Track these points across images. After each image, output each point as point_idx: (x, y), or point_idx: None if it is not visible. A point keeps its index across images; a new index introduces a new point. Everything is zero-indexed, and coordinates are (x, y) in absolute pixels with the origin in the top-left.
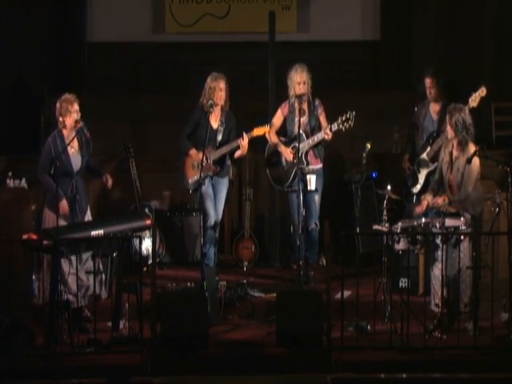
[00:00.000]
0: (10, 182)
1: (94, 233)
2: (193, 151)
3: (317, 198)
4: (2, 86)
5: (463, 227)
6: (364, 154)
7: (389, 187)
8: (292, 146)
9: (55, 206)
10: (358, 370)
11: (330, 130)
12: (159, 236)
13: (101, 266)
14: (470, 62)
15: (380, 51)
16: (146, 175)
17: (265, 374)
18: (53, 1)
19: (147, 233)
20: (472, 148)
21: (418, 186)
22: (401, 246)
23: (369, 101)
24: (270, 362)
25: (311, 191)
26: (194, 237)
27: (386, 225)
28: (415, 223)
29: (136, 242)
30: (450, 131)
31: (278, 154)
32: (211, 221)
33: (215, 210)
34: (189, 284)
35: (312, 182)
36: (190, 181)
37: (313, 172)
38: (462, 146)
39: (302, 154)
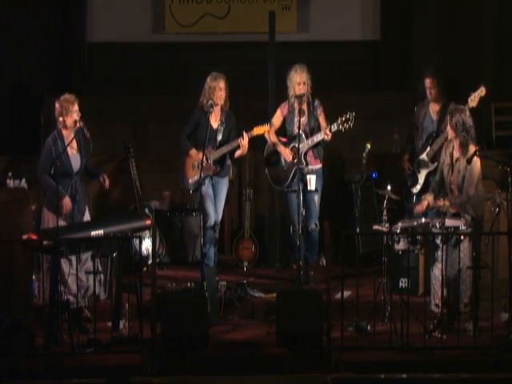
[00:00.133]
0: (10, 182)
1: (94, 233)
2: (193, 151)
3: (316, 198)
4: (2, 86)
5: (463, 227)
6: (364, 155)
7: (389, 187)
8: (291, 146)
9: (55, 206)
10: (358, 370)
11: (330, 130)
12: (159, 236)
13: (99, 266)
14: (469, 62)
15: (380, 51)
16: (145, 175)
17: (265, 374)
18: (53, 1)
19: (147, 233)
20: (472, 149)
21: (418, 186)
22: (401, 246)
23: (369, 101)
24: (270, 361)
25: (311, 191)
26: (194, 237)
27: (386, 225)
28: (415, 223)
29: (136, 242)
30: (450, 132)
31: (277, 154)
32: (211, 221)
33: (215, 210)
34: (189, 284)
35: (312, 182)
36: (190, 181)
37: (312, 172)
38: (463, 147)
39: (301, 154)
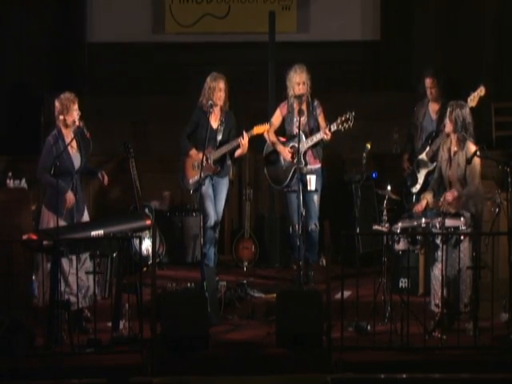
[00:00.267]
0: (10, 182)
1: (94, 233)
2: (193, 151)
3: (316, 198)
4: (2, 86)
5: (463, 227)
6: (364, 155)
7: (389, 187)
8: (290, 145)
9: (55, 205)
10: (358, 370)
11: (329, 129)
12: (159, 236)
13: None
14: (469, 62)
15: (380, 51)
16: (145, 175)
17: (265, 374)
18: (53, 1)
19: (147, 233)
20: (472, 148)
21: (418, 186)
22: (401, 246)
23: (369, 101)
24: (270, 362)
25: (311, 191)
26: (194, 237)
27: (386, 225)
28: (415, 223)
29: (136, 242)
30: (448, 125)
31: (277, 154)
32: (211, 221)
33: (215, 210)
34: (189, 284)
35: (312, 182)
36: (190, 181)
37: (312, 172)
38: (461, 142)
39: (300, 153)
